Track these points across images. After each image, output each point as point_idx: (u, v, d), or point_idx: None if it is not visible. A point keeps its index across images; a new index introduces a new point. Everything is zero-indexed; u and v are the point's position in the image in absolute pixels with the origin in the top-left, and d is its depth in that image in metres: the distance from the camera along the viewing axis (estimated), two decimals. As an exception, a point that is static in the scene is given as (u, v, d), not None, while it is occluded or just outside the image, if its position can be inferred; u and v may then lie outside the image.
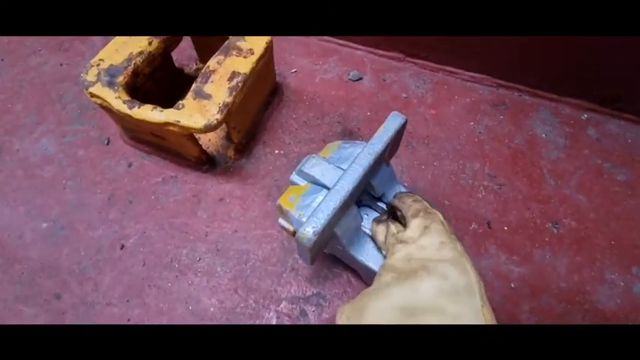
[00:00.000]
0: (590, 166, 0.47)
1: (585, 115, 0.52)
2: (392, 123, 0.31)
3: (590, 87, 0.51)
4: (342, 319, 0.24)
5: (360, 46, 0.57)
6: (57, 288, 0.38)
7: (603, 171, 0.47)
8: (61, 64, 0.54)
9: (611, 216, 0.44)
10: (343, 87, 0.53)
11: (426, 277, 0.23)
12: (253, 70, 0.40)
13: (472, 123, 0.51)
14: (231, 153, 0.46)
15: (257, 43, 0.41)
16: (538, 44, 0.48)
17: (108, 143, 0.47)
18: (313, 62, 0.56)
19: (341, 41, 0.58)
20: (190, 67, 0.53)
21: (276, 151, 0.47)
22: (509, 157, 0.48)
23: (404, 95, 0.53)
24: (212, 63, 0.39)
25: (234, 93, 0.37)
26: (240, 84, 0.38)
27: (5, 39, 0.56)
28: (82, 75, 0.38)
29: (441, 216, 0.28)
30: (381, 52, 0.56)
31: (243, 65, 0.39)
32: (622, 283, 0.39)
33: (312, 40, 0.58)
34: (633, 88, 0.49)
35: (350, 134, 0.49)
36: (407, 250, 0.26)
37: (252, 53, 0.40)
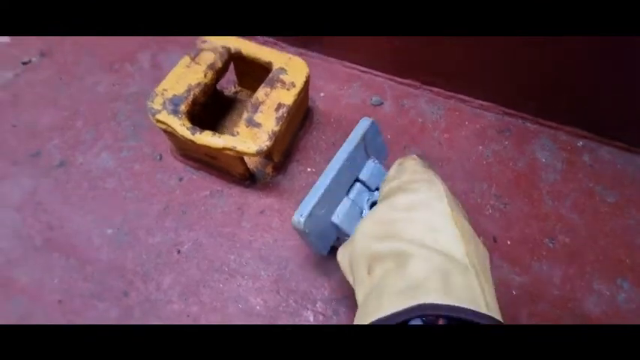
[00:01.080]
0: (584, 189, 0.54)
1: (581, 142, 0.58)
2: (360, 126, 0.41)
3: (585, 117, 0.57)
4: (340, 252, 0.31)
5: (380, 73, 0.63)
6: (124, 287, 0.44)
7: (595, 193, 0.54)
8: (113, 85, 0.60)
9: (600, 233, 0.50)
10: (366, 111, 0.60)
11: (401, 194, 0.29)
12: (295, 101, 0.46)
13: (481, 147, 0.57)
14: (269, 170, 0.52)
15: (298, 77, 0.47)
16: (539, 78, 0.54)
17: (160, 159, 0.53)
18: (339, 87, 0.62)
19: (363, 68, 0.64)
20: (230, 90, 0.59)
21: (309, 169, 0.53)
22: (513, 179, 0.54)
23: (420, 120, 0.59)
24: (260, 95, 0.45)
25: (280, 122, 0.44)
26: (285, 114, 0.44)
27: (61, 58, 0.62)
28: (148, 102, 0.44)
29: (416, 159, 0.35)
30: (399, 79, 0.63)
31: (287, 97, 0.46)
32: (608, 293, 0.46)
33: (338, 67, 0.64)
34: (623, 120, 0.56)
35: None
36: (388, 185, 0.32)
37: (294, 86, 0.47)
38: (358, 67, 0.64)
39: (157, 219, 0.48)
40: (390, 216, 0.28)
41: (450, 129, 0.59)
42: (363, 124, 0.41)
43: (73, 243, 0.46)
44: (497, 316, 0.22)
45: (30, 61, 0.61)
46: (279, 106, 0.45)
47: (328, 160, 0.54)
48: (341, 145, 0.54)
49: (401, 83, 0.63)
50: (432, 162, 0.55)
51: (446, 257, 0.24)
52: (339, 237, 0.40)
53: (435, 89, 0.62)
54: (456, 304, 0.21)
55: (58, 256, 0.45)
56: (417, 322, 0.23)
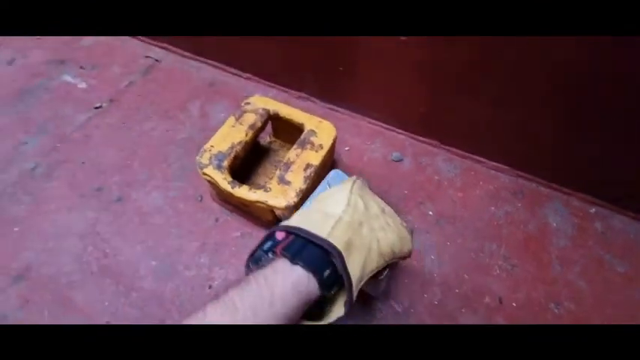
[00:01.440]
0: (594, 256, 0.56)
1: (593, 209, 0.60)
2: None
3: (599, 184, 0.60)
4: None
5: (401, 131, 0.69)
6: (162, 315, 0.50)
7: (605, 262, 0.55)
8: (167, 130, 0.69)
9: (608, 303, 0.52)
10: (387, 166, 0.65)
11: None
12: (322, 162, 0.52)
13: (493, 208, 0.61)
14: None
15: (326, 139, 0.54)
16: (553, 144, 0.58)
17: (201, 200, 0.60)
18: (363, 142, 0.68)
19: (386, 125, 0.70)
20: (265, 140, 0.66)
21: (330, 219, 0.59)
22: (523, 241, 0.57)
23: (437, 178, 0.64)
24: (292, 155, 0.52)
25: (307, 181, 0.50)
26: (312, 174, 0.51)
27: (126, 105, 0.73)
28: (197, 157, 0.52)
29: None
30: (419, 137, 0.68)
31: (315, 158, 0.52)
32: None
33: (363, 123, 0.71)
34: (637, 189, 0.58)
35: (390, 209, 0.60)
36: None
37: (322, 148, 0.53)
38: (381, 124, 0.70)
39: (193, 255, 0.55)
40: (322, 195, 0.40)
41: (465, 188, 0.63)
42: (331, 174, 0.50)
43: (123, 271, 0.53)
44: (337, 245, 0.30)
45: (101, 106, 0.72)
46: (308, 166, 0.51)
47: (348, 211, 0.60)
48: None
49: (421, 141, 0.68)
50: (444, 219, 0.59)
51: (322, 212, 0.34)
52: None
53: (453, 149, 0.67)
54: (298, 226, 0.32)
55: (109, 282, 0.52)
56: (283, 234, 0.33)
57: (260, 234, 0.57)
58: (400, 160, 0.66)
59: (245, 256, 0.56)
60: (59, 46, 0.83)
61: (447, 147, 0.67)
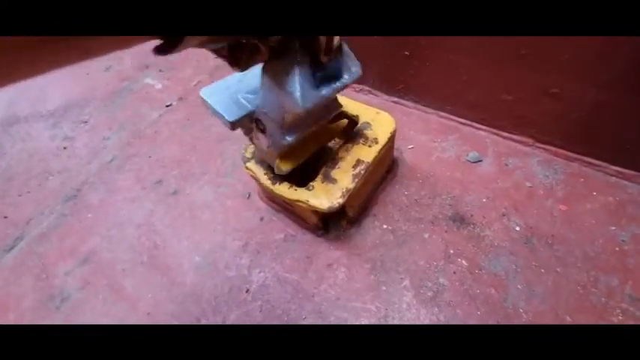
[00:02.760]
0: None
1: None
2: None
3: None
4: None
5: (482, 127, 0.57)
6: (198, 313, 0.48)
7: None
8: (224, 126, 0.68)
9: None
10: (460, 168, 0.54)
11: None
12: (375, 158, 0.44)
13: (614, 227, 0.44)
14: (343, 222, 0.51)
15: (382, 133, 0.46)
16: None
17: (248, 197, 0.57)
18: (432, 139, 0.58)
19: (462, 120, 0.58)
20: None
21: (384, 226, 0.50)
22: (663, 278, 0.40)
23: (528, 184, 0.50)
24: (341, 150, 0.45)
25: (356, 180, 0.43)
26: (362, 172, 0.43)
27: (192, 102, 0.75)
28: (242, 151, 0.49)
29: None
30: (506, 134, 0.55)
31: (367, 154, 0.44)
32: None
33: (433, 117, 0.60)
34: None
35: (461, 220, 0.49)
36: None
37: (377, 142, 0.45)
38: (457, 118, 0.59)
39: (235, 254, 0.52)
40: None
41: (570, 199, 0.48)
42: None
43: (169, 264, 0.53)
44: None
45: (171, 105, 0.76)
46: (358, 162, 0.44)
47: (407, 220, 0.51)
48: (425, 204, 0.49)
49: (508, 139, 0.55)
50: (537, 238, 0.45)
51: None
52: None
53: (552, 148, 0.52)
54: None
55: (155, 274, 0.52)
56: None
57: (305, 237, 0.52)
58: (479, 162, 0.54)
59: (287, 261, 0.52)
60: (146, 52, 0.91)
61: (544, 146, 0.52)
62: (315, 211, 0.46)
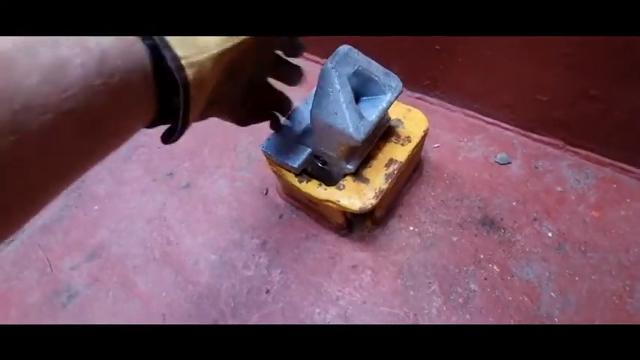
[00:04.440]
0: None
1: None
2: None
3: None
4: None
5: (510, 127, 0.55)
6: (216, 315, 0.46)
7: None
8: (239, 117, 0.65)
9: None
10: (488, 169, 0.52)
11: None
12: (408, 157, 0.42)
13: (649, 236, 0.43)
14: (368, 222, 0.49)
15: (415, 131, 0.44)
16: None
17: (266, 193, 0.55)
18: (457, 138, 0.56)
19: (489, 119, 0.56)
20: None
21: (411, 228, 0.48)
22: (701, 290, 0.39)
23: (559, 189, 0.49)
24: (372, 148, 0.43)
25: (389, 180, 0.41)
26: (395, 171, 0.41)
27: (202, 91, 0.72)
28: (262, 146, 0.46)
29: None
30: (535, 135, 0.53)
31: (400, 153, 0.42)
32: None
33: (459, 115, 0.58)
34: None
35: (491, 223, 0.47)
36: None
37: (410, 141, 0.43)
38: (483, 117, 0.57)
39: (253, 253, 0.50)
40: None
41: (603, 206, 0.46)
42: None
43: (183, 261, 0.51)
44: None
45: (180, 92, 0.72)
46: (391, 162, 0.42)
47: (435, 222, 0.49)
48: (453, 206, 0.48)
49: (537, 140, 0.53)
50: (571, 244, 0.44)
51: None
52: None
53: (584, 152, 0.50)
54: None
55: (169, 271, 0.50)
56: None
57: (328, 237, 0.50)
58: (507, 163, 0.52)
59: (309, 262, 0.50)
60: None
61: (575, 149, 0.51)
62: (342, 212, 0.44)
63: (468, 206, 0.49)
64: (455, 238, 0.47)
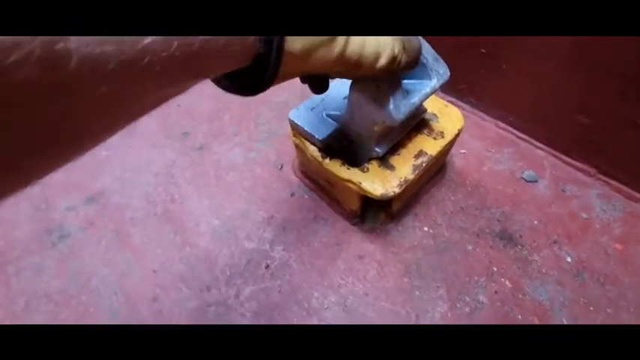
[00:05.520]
0: None
1: None
2: None
3: None
4: None
5: (543, 145, 0.53)
6: (209, 281, 0.44)
7: None
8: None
9: None
10: (513, 184, 0.50)
11: None
12: (439, 152, 0.40)
13: (673, 279, 0.41)
14: (382, 214, 0.47)
15: (449, 127, 0.42)
16: None
17: (281, 169, 0.53)
18: (486, 148, 0.54)
19: (521, 134, 0.55)
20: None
21: (425, 229, 0.46)
22: None
23: (584, 215, 0.47)
24: (403, 137, 0.41)
25: (417, 171, 0.39)
26: (424, 164, 0.39)
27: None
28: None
29: None
30: (567, 158, 0.51)
31: (432, 146, 0.40)
32: None
33: (490, 125, 0.56)
34: None
35: (509, 238, 0.45)
36: None
37: (443, 137, 0.41)
38: (515, 131, 0.55)
39: (258, 226, 0.48)
40: None
41: (628, 240, 0.44)
42: None
43: (184, 222, 0.49)
44: None
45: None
46: (421, 153, 0.40)
47: (451, 227, 0.47)
48: (472, 214, 0.46)
49: (568, 164, 0.51)
50: (589, 273, 0.42)
51: None
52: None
53: (615, 183, 0.48)
54: None
55: (168, 229, 0.48)
56: None
57: (338, 224, 0.48)
58: (534, 181, 0.50)
59: (315, 244, 0.48)
60: None
61: (606, 179, 0.49)
62: (360, 197, 0.42)
63: (487, 217, 0.47)
64: (469, 247, 0.45)
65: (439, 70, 0.35)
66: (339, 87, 0.43)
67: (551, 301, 0.40)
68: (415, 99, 0.34)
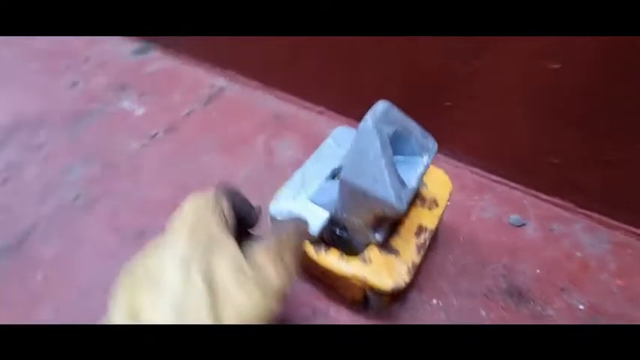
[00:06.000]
0: None
1: None
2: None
3: None
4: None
5: (519, 186, 0.53)
6: None
7: None
8: (226, 166, 0.58)
9: None
10: (504, 232, 0.49)
11: None
12: (438, 224, 0.38)
13: (677, 308, 0.41)
14: (385, 297, 0.42)
15: (441, 193, 0.40)
16: None
17: (262, 258, 0.47)
18: (468, 197, 0.53)
19: (496, 177, 0.55)
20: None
21: (434, 302, 0.43)
22: None
23: (579, 254, 0.46)
24: (397, 212, 0.38)
25: (422, 251, 0.35)
26: (427, 241, 0.36)
27: (184, 135, 0.64)
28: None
29: None
30: (545, 196, 0.52)
31: (429, 219, 0.38)
32: None
33: (465, 172, 0.56)
34: None
35: (519, 294, 0.43)
36: None
37: (437, 205, 0.39)
38: (490, 175, 0.55)
39: (249, 336, 0.40)
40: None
41: (625, 274, 0.45)
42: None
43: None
44: None
45: (156, 135, 0.64)
46: (421, 230, 0.37)
47: (458, 293, 0.44)
48: (476, 273, 0.44)
49: (547, 202, 0.52)
50: (605, 319, 0.41)
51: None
52: None
53: (595, 215, 0.50)
54: None
55: None
56: None
57: (341, 316, 0.42)
58: (522, 225, 0.50)
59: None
60: (122, 71, 0.79)
61: (585, 211, 0.50)
62: (365, 291, 0.38)
63: (491, 274, 0.45)
64: (483, 313, 0.42)
65: (428, 146, 0.33)
66: (317, 164, 0.39)
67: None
68: (413, 183, 0.31)
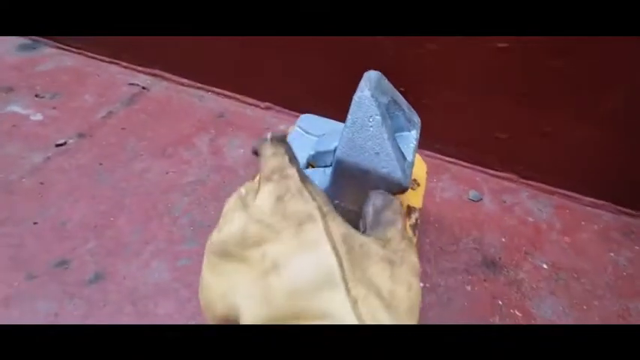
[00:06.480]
0: None
1: None
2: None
3: None
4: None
5: (469, 164, 0.56)
6: None
7: None
8: (167, 172, 0.49)
9: None
10: (466, 208, 0.51)
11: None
12: (422, 202, 0.36)
13: (612, 254, 0.48)
14: (375, 287, 0.40)
15: (419, 173, 0.39)
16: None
17: (230, 270, 0.40)
18: (429, 179, 0.54)
19: (449, 158, 0.57)
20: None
21: (421, 284, 0.41)
22: (668, 296, 0.44)
23: (530, 219, 0.51)
24: (382, 194, 0.36)
25: (416, 232, 0.34)
26: (418, 221, 0.34)
27: (103, 140, 0.53)
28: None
29: None
30: (492, 171, 0.56)
31: (415, 199, 0.36)
32: None
33: (421, 156, 0.57)
34: None
35: (493, 265, 0.45)
36: None
37: (418, 184, 0.38)
38: (444, 157, 0.57)
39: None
40: None
41: (569, 231, 0.50)
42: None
43: None
44: None
45: (65, 143, 0.51)
46: (410, 210, 0.35)
47: (441, 273, 0.43)
48: (452, 251, 0.44)
49: (495, 176, 0.56)
50: (564, 273, 0.45)
51: None
52: None
53: (535, 184, 0.55)
54: None
55: None
56: None
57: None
58: (479, 200, 0.52)
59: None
60: (6, 71, 0.62)
61: (526, 181, 0.55)
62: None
63: (465, 249, 0.46)
64: (468, 287, 0.42)
65: (414, 120, 0.31)
66: (305, 141, 0.35)
67: (557, 315, 0.41)
68: (410, 157, 0.29)
